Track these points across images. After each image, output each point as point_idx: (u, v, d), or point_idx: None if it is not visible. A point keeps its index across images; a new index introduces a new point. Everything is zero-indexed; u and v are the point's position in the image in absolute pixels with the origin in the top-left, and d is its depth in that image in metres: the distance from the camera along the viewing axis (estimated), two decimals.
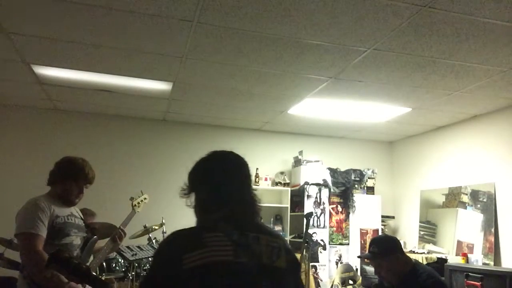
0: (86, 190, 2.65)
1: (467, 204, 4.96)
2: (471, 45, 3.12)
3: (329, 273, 5.46)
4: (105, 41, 3.30)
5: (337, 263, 5.52)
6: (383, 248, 2.55)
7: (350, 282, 5.17)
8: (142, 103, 5.03)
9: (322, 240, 5.46)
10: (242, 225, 1.35)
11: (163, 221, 4.63)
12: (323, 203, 5.63)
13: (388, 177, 6.50)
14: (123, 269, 4.30)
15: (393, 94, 4.29)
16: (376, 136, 6.35)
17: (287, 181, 5.94)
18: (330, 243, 5.58)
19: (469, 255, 4.69)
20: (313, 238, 5.30)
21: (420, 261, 4.44)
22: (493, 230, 4.55)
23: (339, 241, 5.66)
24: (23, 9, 2.84)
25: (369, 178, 5.96)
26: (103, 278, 3.81)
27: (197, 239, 1.27)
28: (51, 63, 3.83)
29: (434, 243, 5.34)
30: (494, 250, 4.50)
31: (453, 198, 5.18)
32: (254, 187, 1.49)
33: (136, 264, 4.27)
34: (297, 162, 5.91)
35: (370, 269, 4.87)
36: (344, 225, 5.73)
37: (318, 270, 5.40)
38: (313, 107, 4.84)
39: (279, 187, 5.87)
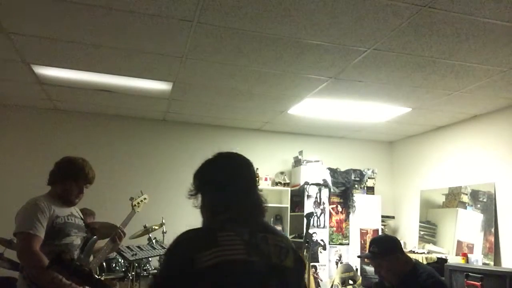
0: (86, 190, 2.65)
1: (467, 204, 4.96)
2: (471, 45, 3.12)
3: (329, 273, 5.46)
4: (105, 41, 3.29)
5: (337, 263, 5.52)
6: (383, 248, 2.55)
7: (350, 282, 5.17)
8: (142, 103, 5.03)
9: (322, 240, 5.46)
10: (251, 225, 1.37)
11: (163, 221, 4.64)
12: (323, 203, 5.63)
13: (388, 177, 6.50)
14: (123, 269, 4.31)
15: (393, 94, 4.29)
16: (376, 136, 6.35)
17: (287, 181, 5.94)
18: (330, 243, 5.58)
19: (469, 255, 4.69)
20: (313, 238, 5.30)
21: (420, 261, 4.44)
22: (493, 230, 4.55)
23: (339, 241, 5.66)
24: (23, 9, 2.84)
25: (369, 178, 5.96)
26: (102, 279, 3.81)
27: (211, 238, 1.29)
28: (51, 63, 3.83)
29: (434, 243, 5.34)
30: (494, 250, 4.50)
31: (453, 198, 5.18)
32: (260, 187, 1.53)
33: (136, 264, 4.27)
34: (297, 162, 5.91)
35: (370, 269, 4.87)
36: (344, 225, 5.73)
37: (318, 270, 5.39)
38: (313, 107, 4.84)
39: (279, 187, 5.87)
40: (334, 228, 5.67)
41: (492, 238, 4.54)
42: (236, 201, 1.41)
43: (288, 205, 5.74)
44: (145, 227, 4.43)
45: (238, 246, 1.29)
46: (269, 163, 5.94)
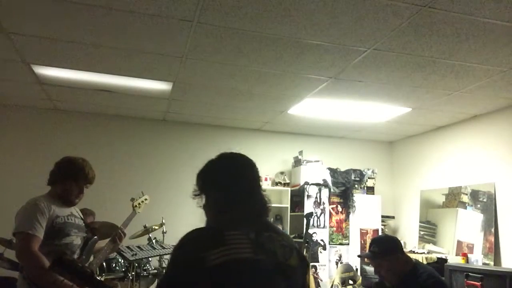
0: (86, 190, 2.65)
1: (467, 204, 4.96)
2: (471, 45, 3.12)
3: (329, 273, 5.46)
4: (105, 41, 3.29)
5: (337, 263, 5.52)
6: (384, 247, 2.56)
7: (350, 282, 5.17)
8: (142, 103, 5.03)
9: (322, 240, 5.46)
10: (256, 225, 1.39)
11: (163, 221, 4.64)
12: (323, 203, 5.63)
13: (388, 177, 6.50)
14: (123, 269, 4.31)
15: (393, 94, 4.29)
16: (376, 136, 6.35)
17: (287, 181, 5.94)
18: (330, 243, 5.58)
19: (469, 255, 4.69)
20: (313, 238, 5.32)
21: (420, 261, 4.44)
22: (493, 230, 4.55)
23: (339, 241, 5.66)
24: (23, 9, 2.84)
25: (369, 178, 5.96)
26: (102, 279, 3.81)
27: (218, 237, 1.30)
28: (51, 63, 3.83)
29: (434, 243, 5.34)
30: (494, 250, 4.50)
31: (453, 198, 5.18)
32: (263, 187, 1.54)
33: (136, 264, 4.28)
34: (297, 162, 5.91)
35: (370, 269, 4.87)
36: (344, 225, 5.73)
37: (318, 270, 5.40)
38: (313, 107, 4.84)
39: (279, 187, 5.87)
40: (334, 228, 5.67)
41: (492, 238, 4.54)
42: (240, 201, 1.42)
43: (288, 205, 5.74)
44: (145, 227, 4.43)
45: (245, 245, 1.31)
46: (269, 163, 5.93)
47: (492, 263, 4.48)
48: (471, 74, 3.68)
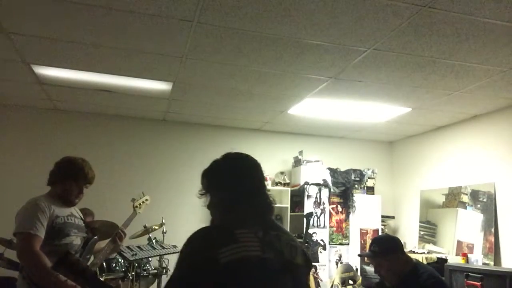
0: (86, 190, 2.65)
1: (467, 204, 4.96)
2: (471, 45, 3.12)
3: (329, 273, 5.46)
4: (105, 41, 3.29)
5: (337, 263, 5.52)
6: (384, 247, 2.56)
7: (350, 282, 5.17)
8: (142, 103, 5.03)
9: (322, 240, 5.46)
10: (262, 224, 1.42)
11: (163, 221, 4.64)
12: (323, 203, 5.63)
13: (388, 177, 6.50)
14: (123, 269, 4.31)
15: (393, 94, 4.29)
16: (376, 136, 6.35)
17: (287, 181, 5.94)
18: (330, 243, 5.58)
19: (469, 255, 4.69)
20: (313, 238, 5.32)
21: (420, 261, 4.45)
22: (493, 230, 4.55)
23: (339, 241, 5.66)
24: (23, 9, 2.84)
25: (369, 178, 5.96)
26: (102, 279, 3.81)
27: (228, 235, 1.33)
28: (51, 63, 3.83)
29: (434, 243, 5.34)
30: (494, 250, 4.50)
31: (453, 198, 5.18)
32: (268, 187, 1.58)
33: (136, 264, 4.28)
34: (297, 162, 5.91)
35: (370, 269, 4.87)
36: (344, 225, 5.73)
37: (318, 270, 5.39)
38: (313, 107, 4.84)
39: (279, 187, 5.86)
40: (334, 228, 5.67)
41: (492, 238, 4.54)
42: (245, 200, 1.45)
43: (288, 205, 5.74)
44: (145, 227, 4.43)
45: (254, 243, 1.33)
46: (269, 163, 5.93)
47: (492, 263, 4.48)
48: (471, 74, 3.68)
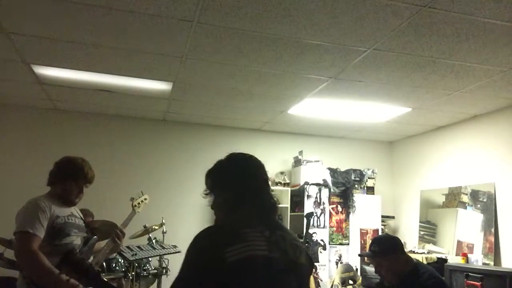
0: (86, 190, 2.65)
1: (467, 204, 4.96)
2: (471, 45, 3.12)
3: (329, 273, 5.46)
4: (105, 41, 3.29)
5: (337, 263, 5.52)
6: (384, 247, 2.56)
7: (350, 282, 5.17)
8: (142, 103, 5.03)
9: (322, 240, 5.46)
10: (267, 223, 1.43)
11: (163, 221, 4.64)
12: (323, 203, 5.63)
13: (388, 177, 6.50)
14: (123, 269, 4.31)
15: (393, 94, 4.29)
16: (376, 136, 6.35)
17: (287, 181, 5.94)
18: (330, 243, 5.58)
19: (469, 255, 4.69)
20: (313, 238, 5.32)
21: (420, 261, 4.45)
22: (493, 230, 4.55)
23: (339, 241, 5.66)
24: (23, 9, 2.84)
25: (369, 178, 5.96)
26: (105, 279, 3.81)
27: (235, 234, 1.34)
28: (51, 63, 3.83)
29: (434, 243, 5.34)
30: (494, 250, 4.50)
31: (453, 198, 5.18)
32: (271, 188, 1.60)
33: (136, 264, 4.28)
34: (297, 162, 5.91)
35: (370, 269, 4.87)
36: (344, 225, 5.73)
37: (318, 270, 5.39)
38: (313, 107, 4.84)
39: (279, 187, 5.86)
40: (334, 228, 5.67)
41: (492, 238, 4.54)
42: (249, 200, 1.46)
43: (288, 205, 5.74)
44: (145, 227, 4.43)
45: (261, 242, 1.35)
46: (269, 163, 5.81)
47: (492, 263, 4.48)
48: (471, 74, 3.68)
